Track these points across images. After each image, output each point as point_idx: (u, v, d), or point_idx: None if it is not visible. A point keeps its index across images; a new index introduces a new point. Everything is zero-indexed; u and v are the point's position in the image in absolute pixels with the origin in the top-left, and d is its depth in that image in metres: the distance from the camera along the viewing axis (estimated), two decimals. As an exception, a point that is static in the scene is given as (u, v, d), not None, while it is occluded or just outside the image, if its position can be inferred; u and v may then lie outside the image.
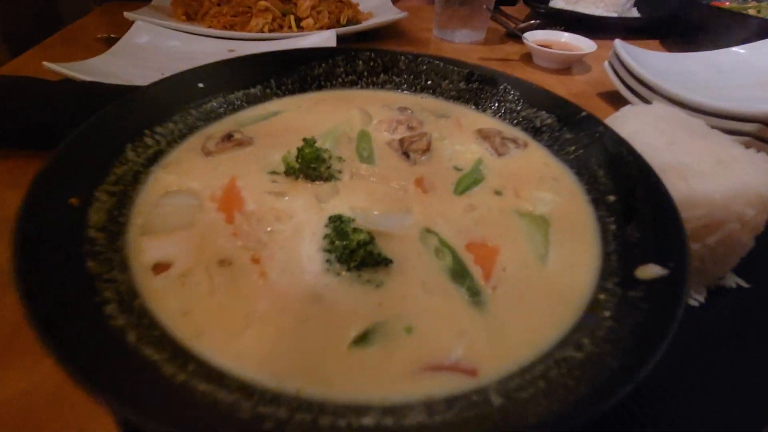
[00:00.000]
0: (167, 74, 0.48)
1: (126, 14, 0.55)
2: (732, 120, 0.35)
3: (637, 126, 0.24)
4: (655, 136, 0.23)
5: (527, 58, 0.60)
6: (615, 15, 0.71)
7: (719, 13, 0.60)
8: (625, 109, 0.28)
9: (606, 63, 0.50)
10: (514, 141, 0.26)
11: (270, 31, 0.62)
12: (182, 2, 0.63)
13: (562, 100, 0.26)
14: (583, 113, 0.24)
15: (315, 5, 0.63)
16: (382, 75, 0.32)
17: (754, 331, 0.22)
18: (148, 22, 0.54)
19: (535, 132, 0.27)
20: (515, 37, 0.66)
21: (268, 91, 0.29)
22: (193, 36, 0.55)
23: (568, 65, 0.58)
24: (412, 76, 0.31)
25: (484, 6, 0.62)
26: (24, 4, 0.76)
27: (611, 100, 0.49)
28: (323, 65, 0.31)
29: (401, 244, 0.19)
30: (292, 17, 0.63)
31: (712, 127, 0.34)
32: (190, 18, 0.63)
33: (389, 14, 0.67)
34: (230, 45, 0.55)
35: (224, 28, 0.61)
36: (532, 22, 0.66)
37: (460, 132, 0.27)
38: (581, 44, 0.58)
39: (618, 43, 0.47)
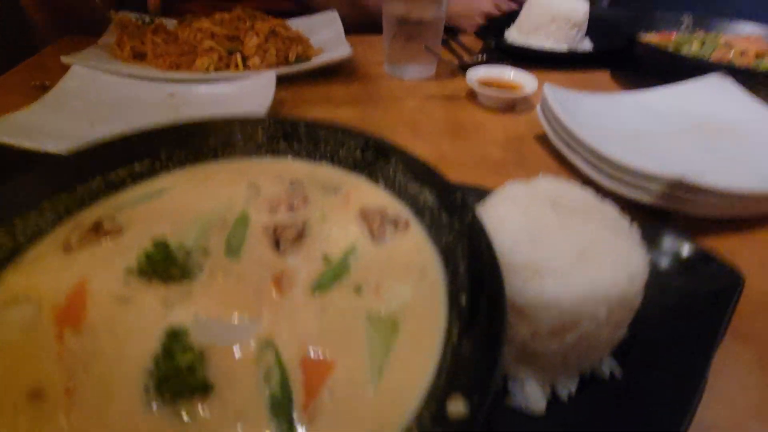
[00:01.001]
0: (97, 125, 0.48)
1: (63, 59, 0.55)
2: (639, 178, 0.35)
3: (509, 209, 0.24)
4: (523, 224, 0.23)
5: (473, 95, 0.60)
6: (565, 47, 0.71)
7: (655, 53, 0.60)
8: (509, 186, 0.28)
9: (538, 106, 0.50)
10: (395, 222, 0.26)
11: (216, 70, 0.62)
12: (127, 42, 0.63)
13: (441, 178, 0.26)
14: (459, 196, 0.24)
15: (261, 44, 0.63)
16: (281, 142, 0.31)
17: (621, 424, 0.22)
18: (87, 66, 0.54)
19: (419, 211, 0.26)
20: (464, 71, 0.66)
21: (156, 164, 0.29)
22: (134, 81, 0.55)
23: (511, 105, 0.58)
24: (311, 144, 0.31)
25: (425, 46, 0.62)
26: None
27: (544, 144, 0.49)
28: (220, 135, 0.31)
29: (234, 363, 0.18)
30: (238, 56, 0.63)
31: (621, 184, 0.34)
32: (136, 57, 0.63)
33: (339, 49, 0.67)
34: (171, 88, 0.55)
35: (170, 67, 0.61)
36: (479, 55, 0.67)
37: (345, 210, 0.26)
38: (525, 82, 0.58)
39: (546, 88, 0.48)
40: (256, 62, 0.62)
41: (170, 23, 0.72)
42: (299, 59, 0.65)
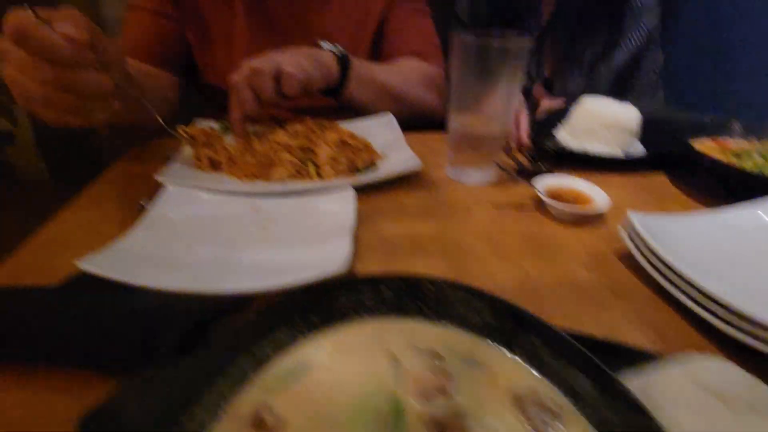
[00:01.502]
0: (194, 247, 0.49)
1: (158, 177, 0.58)
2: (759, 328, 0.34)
3: (680, 411, 0.23)
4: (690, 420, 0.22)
5: (540, 203, 0.62)
6: (621, 152, 0.74)
7: (720, 167, 0.61)
8: (663, 370, 0.27)
9: (621, 228, 0.51)
10: (552, 411, 0.25)
11: (292, 179, 0.65)
12: (205, 154, 0.67)
13: (591, 359, 0.25)
14: (620, 384, 0.24)
15: (334, 155, 0.67)
16: (408, 301, 0.32)
17: None
18: (177, 183, 0.58)
19: (572, 396, 0.26)
20: (525, 177, 0.68)
21: (294, 332, 0.29)
22: (219, 197, 0.58)
23: (583, 218, 0.59)
24: (439, 305, 0.32)
25: (497, 165, 0.65)
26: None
27: (630, 263, 0.49)
28: (348, 295, 0.31)
29: None
30: (312, 166, 0.66)
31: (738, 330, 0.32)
32: (214, 166, 0.67)
33: (402, 154, 0.71)
34: (254, 202, 0.57)
35: (247, 177, 0.65)
36: (538, 162, 0.69)
37: (495, 393, 0.26)
38: (596, 196, 0.60)
39: (633, 216, 0.48)
40: (329, 172, 0.65)
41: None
42: (367, 167, 0.69)
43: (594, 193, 0.61)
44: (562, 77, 1.03)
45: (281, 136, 0.69)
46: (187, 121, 0.78)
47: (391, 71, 0.92)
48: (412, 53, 0.96)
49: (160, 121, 0.65)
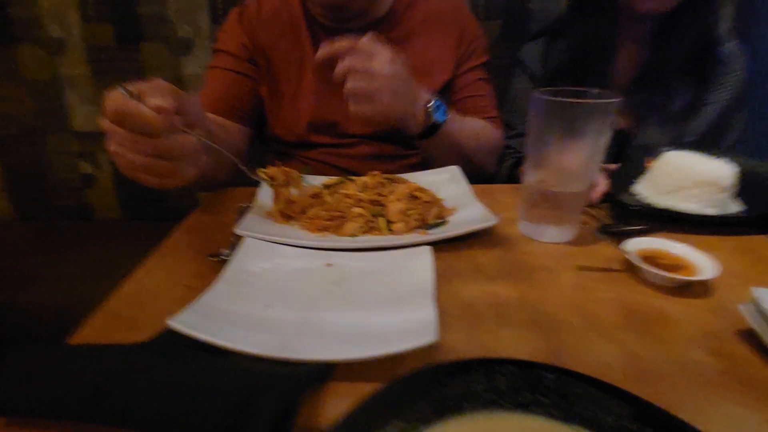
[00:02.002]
0: (274, 305, 0.48)
1: (237, 231, 0.59)
2: None
3: None
4: None
5: (630, 266, 0.56)
6: (713, 211, 0.68)
7: None
8: None
9: (742, 307, 0.45)
10: None
11: (363, 233, 0.64)
12: (283, 197, 0.68)
13: None
14: None
15: (404, 209, 0.66)
16: (526, 394, 0.28)
17: None
18: (254, 235, 0.58)
19: None
20: (610, 237, 0.63)
21: (407, 426, 0.27)
22: (292, 250, 0.57)
23: (685, 285, 0.53)
24: (562, 400, 0.28)
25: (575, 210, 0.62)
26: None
27: (752, 343, 0.43)
28: (460, 383, 0.28)
29: None
30: (383, 220, 0.65)
31: None
32: (287, 218, 0.68)
33: (474, 209, 0.69)
34: (328, 258, 0.57)
35: (319, 230, 0.65)
36: (626, 226, 0.64)
37: None
38: (696, 261, 0.54)
39: (757, 292, 0.42)
40: (401, 227, 0.64)
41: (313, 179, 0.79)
42: (437, 222, 0.67)
43: (693, 257, 0.55)
44: (644, 131, 0.99)
45: (351, 189, 0.69)
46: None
47: (471, 131, 0.93)
48: (479, 118, 0.97)
49: (242, 166, 0.68)
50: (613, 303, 0.51)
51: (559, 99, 0.57)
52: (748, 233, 0.66)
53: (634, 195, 0.76)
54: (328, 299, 0.49)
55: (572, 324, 0.47)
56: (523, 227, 0.68)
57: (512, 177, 1.06)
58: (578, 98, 0.57)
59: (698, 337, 0.45)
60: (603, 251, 0.61)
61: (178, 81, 1.55)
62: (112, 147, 0.49)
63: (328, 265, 0.56)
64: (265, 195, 0.73)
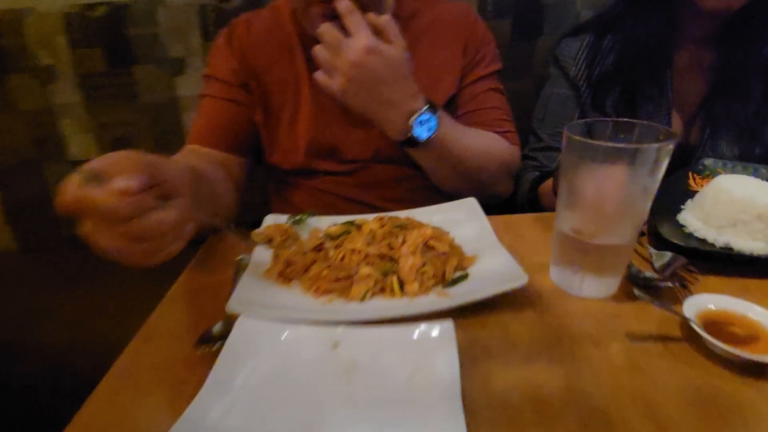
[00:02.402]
0: (274, 414, 0.41)
1: (229, 308, 0.52)
2: None
3: None
4: None
5: (692, 333, 0.47)
6: (782, 249, 0.58)
7: None
8: None
9: None
10: None
11: (372, 296, 0.56)
12: (281, 258, 0.60)
13: None
14: None
15: (419, 265, 0.58)
16: None
17: None
18: (248, 309, 0.51)
19: None
20: (649, 290, 0.54)
21: None
22: (295, 330, 0.50)
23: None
24: None
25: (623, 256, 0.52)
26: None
27: None
28: None
29: None
30: (394, 280, 0.57)
31: None
32: (285, 278, 0.60)
33: (498, 257, 0.60)
34: (333, 335, 0.49)
35: (323, 293, 0.57)
36: (674, 279, 0.54)
37: None
38: (775, 330, 0.45)
39: None
40: (415, 288, 0.56)
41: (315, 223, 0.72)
42: (457, 277, 0.58)
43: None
44: (716, 145, 0.87)
45: (358, 242, 0.61)
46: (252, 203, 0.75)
47: (476, 146, 0.84)
48: (489, 129, 0.88)
49: (233, 232, 0.61)
50: (678, 390, 0.42)
51: (597, 143, 0.47)
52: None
53: (682, 226, 0.66)
54: (337, 401, 0.41)
55: (632, 425, 0.39)
56: (556, 276, 0.59)
57: (534, 197, 0.97)
58: (624, 133, 0.48)
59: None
60: (656, 309, 0.52)
61: (174, 102, 1.48)
62: (84, 230, 0.43)
63: (335, 345, 0.48)
64: (261, 248, 0.66)
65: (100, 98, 1.47)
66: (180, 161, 0.57)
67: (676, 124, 0.90)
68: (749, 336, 0.45)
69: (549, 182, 0.90)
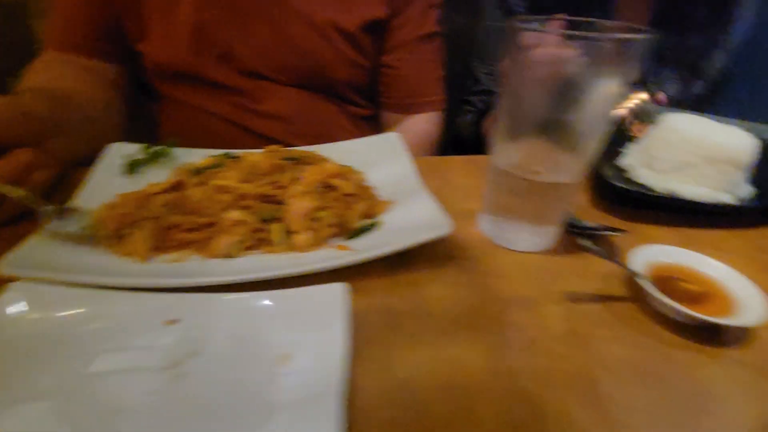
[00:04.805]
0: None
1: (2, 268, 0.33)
2: None
3: None
4: None
5: (638, 291, 0.39)
6: (727, 197, 0.51)
7: None
8: None
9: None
10: None
11: (245, 251, 0.41)
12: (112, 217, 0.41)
13: None
14: None
15: (312, 209, 0.42)
16: None
17: None
18: (31, 275, 0.33)
19: None
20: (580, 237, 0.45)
21: None
22: (90, 298, 0.33)
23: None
24: None
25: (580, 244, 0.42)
26: None
27: None
28: None
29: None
30: (278, 228, 0.42)
31: None
32: (119, 236, 0.41)
33: (419, 201, 0.46)
34: (169, 307, 0.33)
35: (173, 249, 0.40)
36: (610, 230, 0.45)
37: None
38: (733, 283, 0.37)
39: None
40: (306, 240, 0.41)
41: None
42: (366, 226, 0.45)
43: (723, 276, 0.38)
44: (660, 81, 0.81)
45: (231, 177, 0.44)
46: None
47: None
48: (408, 95, 0.82)
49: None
50: (622, 363, 0.33)
51: (554, 30, 0.34)
52: (762, 222, 0.51)
53: (623, 171, 0.58)
54: (147, 413, 0.26)
55: (567, 410, 0.29)
56: (487, 226, 0.48)
57: (475, 136, 0.87)
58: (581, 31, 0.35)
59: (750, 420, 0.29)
60: (599, 269, 0.42)
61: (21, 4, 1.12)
62: None
63: (170, 323, 0.32)
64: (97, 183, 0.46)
65: None
66: (24, 95, 0.51)
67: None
68: (702, 294, 0.37)
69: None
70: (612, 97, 0.37)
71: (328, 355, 0.29)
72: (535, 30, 0.37)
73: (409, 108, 0.83)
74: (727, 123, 0.54)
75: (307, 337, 0.31)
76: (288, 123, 0.76)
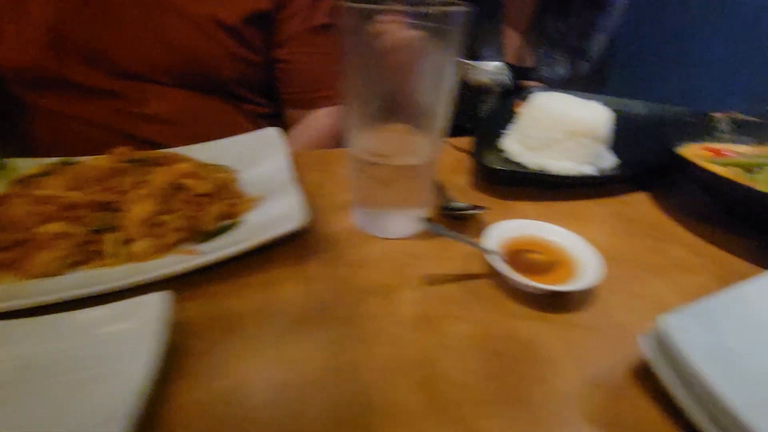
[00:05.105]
0: None
1: None
2: None
3: None
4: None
5: (491, 268, 0.39)
6: (590, 169, 0.54)
7: (732, 188, 0.43)
8: None
9: (641, 339, 0.30)
10: None
11: (72, 265, 0.36)
12: None
13: None
14: None
15: (152, 214, 0.39)
16: None
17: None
18: None
19: None
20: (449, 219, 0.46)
21: None
22: None
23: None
24: None
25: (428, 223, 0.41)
26: None
27: (647, 384, 0.28)
28: None
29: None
30: (112, 239, 0.38)
31: None
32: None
33: (286, 195, 0.44)
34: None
35: (-17, 272, 0.35)
36: (469, 208, 0.45)
37: None
38: (578, 251, 0.38)
39: (665, 323, 0.27)
40: (145, 248, 0.38)
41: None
42: (220, 227, 0.42)
43: (571, 243, 0.40)
44: (550, 65, 0.84)
45: (56, 184, 0.39)
46: None
47: None
48: (306, 90, 0.80)
49: None
50: (467, 344, 0.33)
51: (366, 8, 0.33)
52: (626, 191, 0.54)
53: (502, 152, 0.59)
54: None
55: (399, 401, 0.28)
56: (359, 217, 0.46)
57: None
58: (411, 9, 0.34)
59: (586, 389, 0.30)
60: (461, 245, 0.42)
61: None
62: None
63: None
64: None
65: None
66: None
67: (511, 43, 0.86)
68: (550, 263, 0.38)
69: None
70: (444, 69, 0.36)
71: (130, 377, 0.26)
72: (372, 12, 0.35)
73: (309, 103, 0.80)
74: (589, 99, 0.57)
75: (114, 358, 0.27)
76: (177, 126, 0.71)
